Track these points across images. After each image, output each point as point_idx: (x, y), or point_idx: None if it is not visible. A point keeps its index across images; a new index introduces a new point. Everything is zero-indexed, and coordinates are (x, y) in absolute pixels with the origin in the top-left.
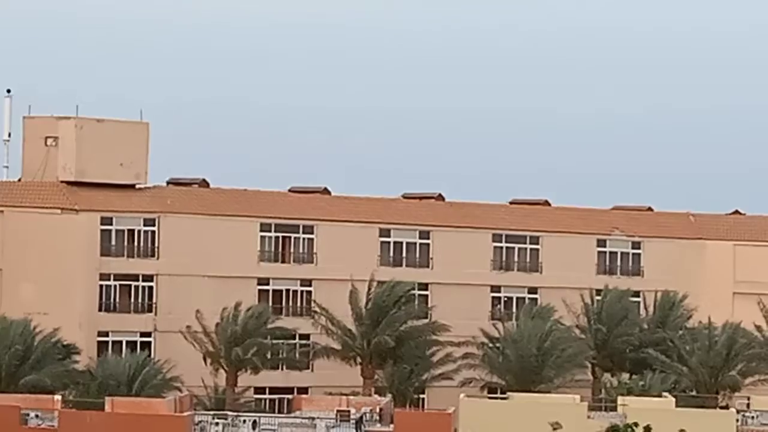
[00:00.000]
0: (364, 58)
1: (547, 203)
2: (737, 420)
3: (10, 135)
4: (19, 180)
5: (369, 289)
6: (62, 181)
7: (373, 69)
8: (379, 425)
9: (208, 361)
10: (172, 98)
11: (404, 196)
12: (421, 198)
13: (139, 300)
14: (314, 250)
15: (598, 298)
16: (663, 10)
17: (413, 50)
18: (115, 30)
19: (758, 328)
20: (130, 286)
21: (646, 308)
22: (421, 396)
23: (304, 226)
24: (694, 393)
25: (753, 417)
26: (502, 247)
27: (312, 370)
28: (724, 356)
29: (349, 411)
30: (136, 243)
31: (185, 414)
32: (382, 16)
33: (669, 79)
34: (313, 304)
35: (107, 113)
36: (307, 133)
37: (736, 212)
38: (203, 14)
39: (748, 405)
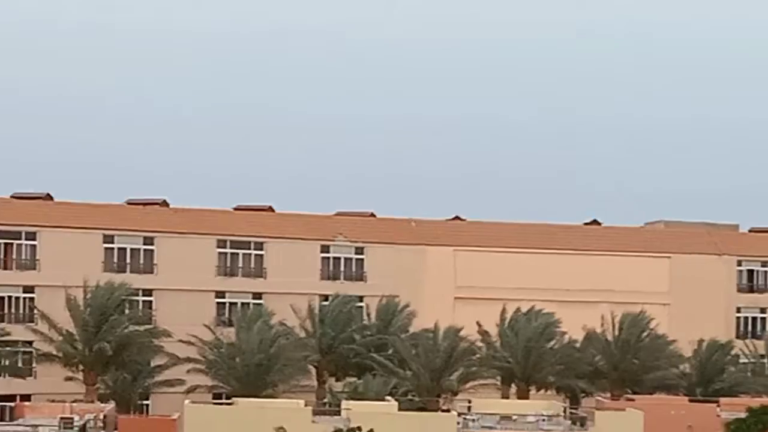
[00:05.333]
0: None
1: (271, 209)
2: (458, 423)
3: None
4: None
5: (85, 295)
6: None
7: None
8: None
9: None
10: None
11: (128, 202)
12: (145, 204)
13: None
14: (37, 257)
15: (324, 303)
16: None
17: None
18: None
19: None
20: None
21: (368, 313)
22: (146, 402)
23: (26, 233)
24: (416, 397)
25: (474, 420)
26: (226, 253)
27: (35, 377)
28: (444, 360)
29: (72, 418)
30: None
31: None
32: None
33: (385, 85)
34: (35, 311)
35: None
36: (29, 136)
37: (456, 218)
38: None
39: (468, 408)
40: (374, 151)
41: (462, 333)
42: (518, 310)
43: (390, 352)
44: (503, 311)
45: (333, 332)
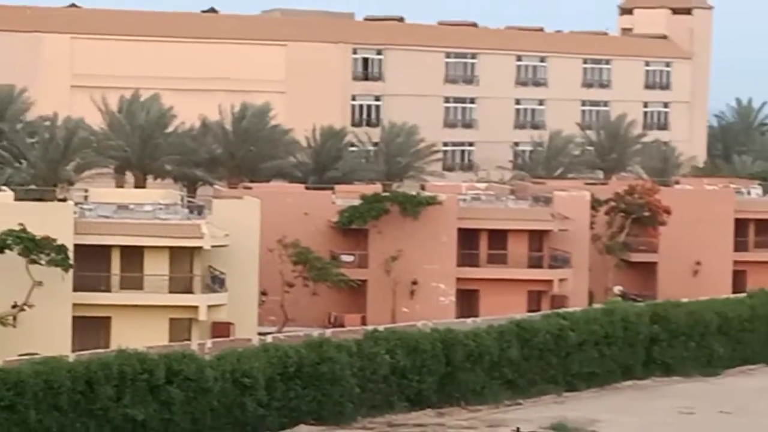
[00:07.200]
0: None
1: None
2: (75, 212)
3: None
4: None
5: None
6: None
7: None
8: None
9: None
10: None
11: None
12: None
13: None
14: None
15: None
16: None
17: None
18: None
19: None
20: None
21: None
22: None
23: None
24: (33, 187)
25: (90, 209)
26: None
27: None
28: (61, 151)
29: None
30: None
31: None
32: None
33: None
34: None
35: None
36: None
37: (73, 5)
38: None
39: (86, 198)
40: None
41: (80, 123)
42: (134, 97)
43: (5, 142)
44: (114, 100)
45: None
